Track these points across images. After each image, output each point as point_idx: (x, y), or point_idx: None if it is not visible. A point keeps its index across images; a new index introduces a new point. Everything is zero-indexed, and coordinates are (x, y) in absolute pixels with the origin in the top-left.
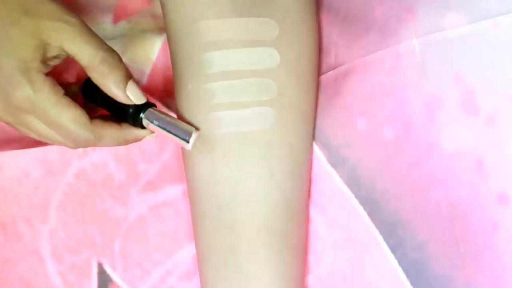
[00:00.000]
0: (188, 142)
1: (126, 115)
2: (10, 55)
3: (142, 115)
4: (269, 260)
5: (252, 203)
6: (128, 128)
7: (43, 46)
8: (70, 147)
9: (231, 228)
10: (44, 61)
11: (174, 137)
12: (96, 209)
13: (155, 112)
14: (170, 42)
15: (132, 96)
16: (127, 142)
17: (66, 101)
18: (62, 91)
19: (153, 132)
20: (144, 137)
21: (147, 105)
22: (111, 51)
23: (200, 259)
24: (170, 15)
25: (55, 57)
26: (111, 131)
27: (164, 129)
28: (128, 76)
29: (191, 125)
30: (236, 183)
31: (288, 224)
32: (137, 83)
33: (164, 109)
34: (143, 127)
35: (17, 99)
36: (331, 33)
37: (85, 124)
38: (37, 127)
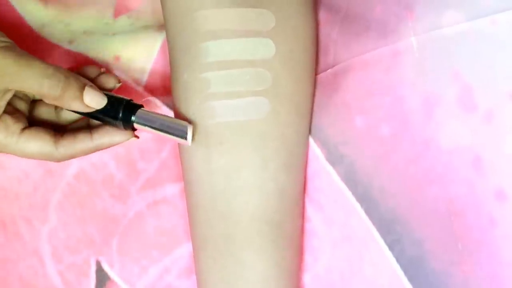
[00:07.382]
0: (185, 138)
1: (116, 120)
2: None
3: (133, 118)
4: (263, 249)
5: (246, 193)
6: (101, 137)
7: None
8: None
9: (226, 218)
10: None
11: (170, 136)
12: (95, 209)
13: (146, 113)
14: (167, 32)
15: (92, 103)
16: (100, 150)
17: (26, 137)
18: (20, 127)
19: (134, 136)
20: (119, 142)
21: (134, 106)
22: (55, 71)
23: (196, 250)
24: (168, 5)
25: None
26: (81, 146)
27: (158, 129)
28: (82, 85)
29: (183, 119)
30: (230, 172)
31: (282, 214)
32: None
33: (158, 107)
34: (135, 130)
35: None
36: (330, 32)
37: (51, 152)
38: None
